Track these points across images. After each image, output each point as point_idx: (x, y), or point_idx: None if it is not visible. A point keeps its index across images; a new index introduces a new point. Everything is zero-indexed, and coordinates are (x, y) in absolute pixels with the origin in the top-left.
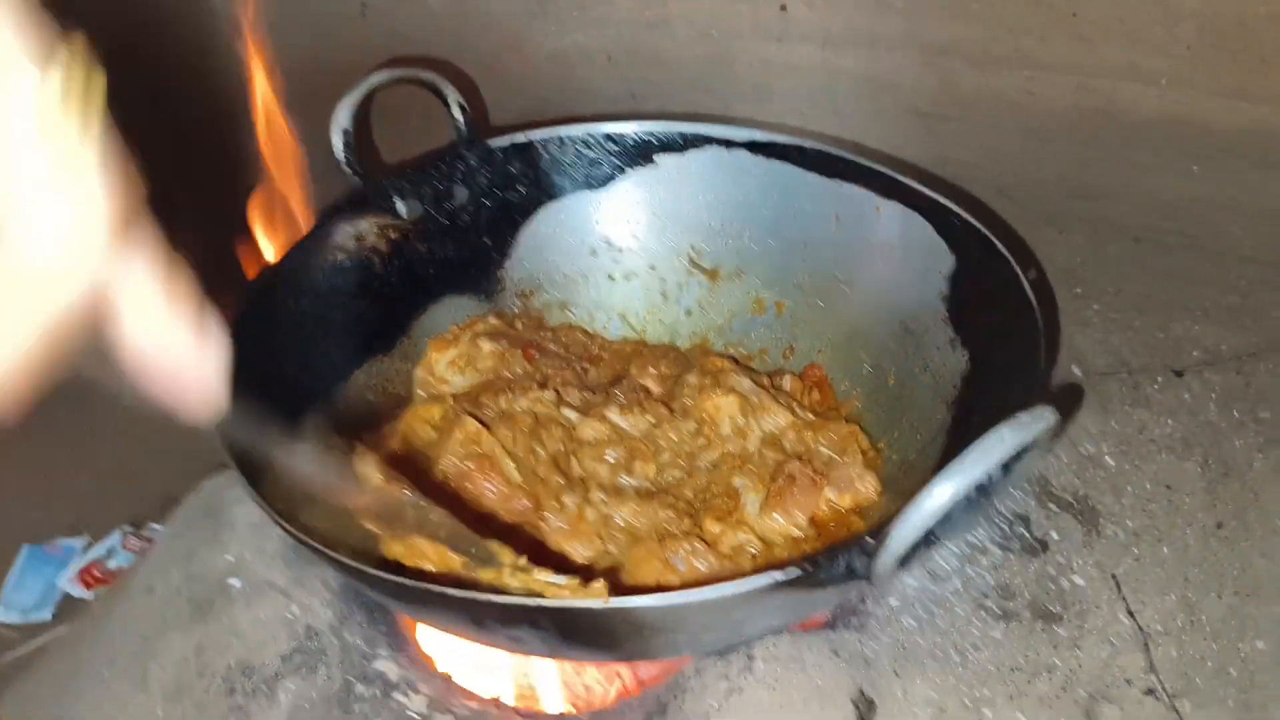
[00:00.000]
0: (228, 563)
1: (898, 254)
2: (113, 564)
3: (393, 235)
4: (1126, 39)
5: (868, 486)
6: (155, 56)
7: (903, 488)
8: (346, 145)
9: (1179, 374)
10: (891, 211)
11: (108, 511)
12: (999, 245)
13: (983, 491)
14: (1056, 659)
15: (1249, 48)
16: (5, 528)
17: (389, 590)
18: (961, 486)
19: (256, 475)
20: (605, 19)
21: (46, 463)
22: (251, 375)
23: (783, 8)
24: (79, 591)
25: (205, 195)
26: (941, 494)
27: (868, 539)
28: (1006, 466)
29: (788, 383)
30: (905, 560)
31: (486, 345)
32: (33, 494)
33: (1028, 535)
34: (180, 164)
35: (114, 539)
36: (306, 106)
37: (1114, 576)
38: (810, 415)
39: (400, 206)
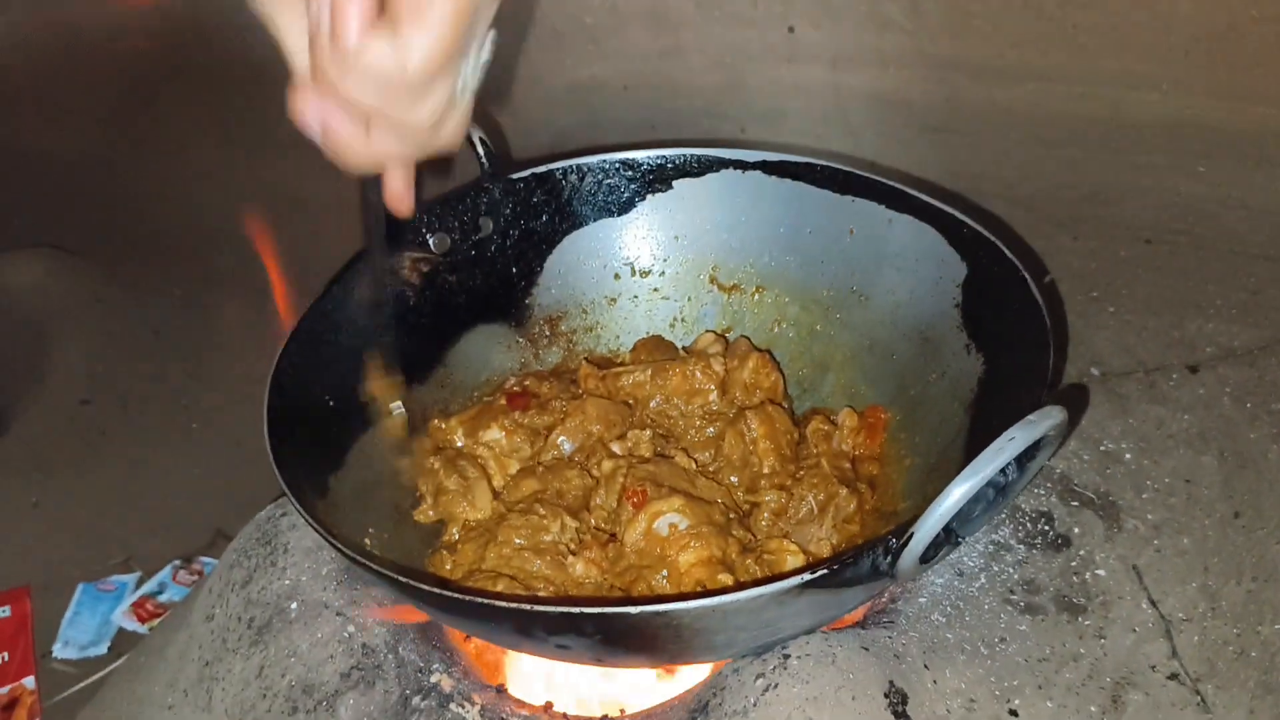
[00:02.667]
0: (285, 586)
1: (911, 265)
2: (164, 597)
3: (424, 269)
4: (1125, 48)
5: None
6: None
7: (927, 490)
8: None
9: (1194, 370)
10: (903, 224)
11: (158, 547)
12: (1007, 253)
13: (1000, 489)
14: (1082, 648)
15: (1243, 51)
16: (60, 568)
17: (439, 604)
18: (975, 485)
19: (309, 501)
20: (620, 51)
21: (98, 502)
22: (300, 408)
23: (790, 30)
24: (133, 625)
25: None
26: (957, 493)
27: (891, 538)
28: (1021, 464)
29: (844, 418)
30: (927, 557)
31: (488, 435)
32: (86, 533)
33: (1051, 531)
34: None
35: (165, 574)
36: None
37: (1135, 568)
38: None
39: (431, 241)
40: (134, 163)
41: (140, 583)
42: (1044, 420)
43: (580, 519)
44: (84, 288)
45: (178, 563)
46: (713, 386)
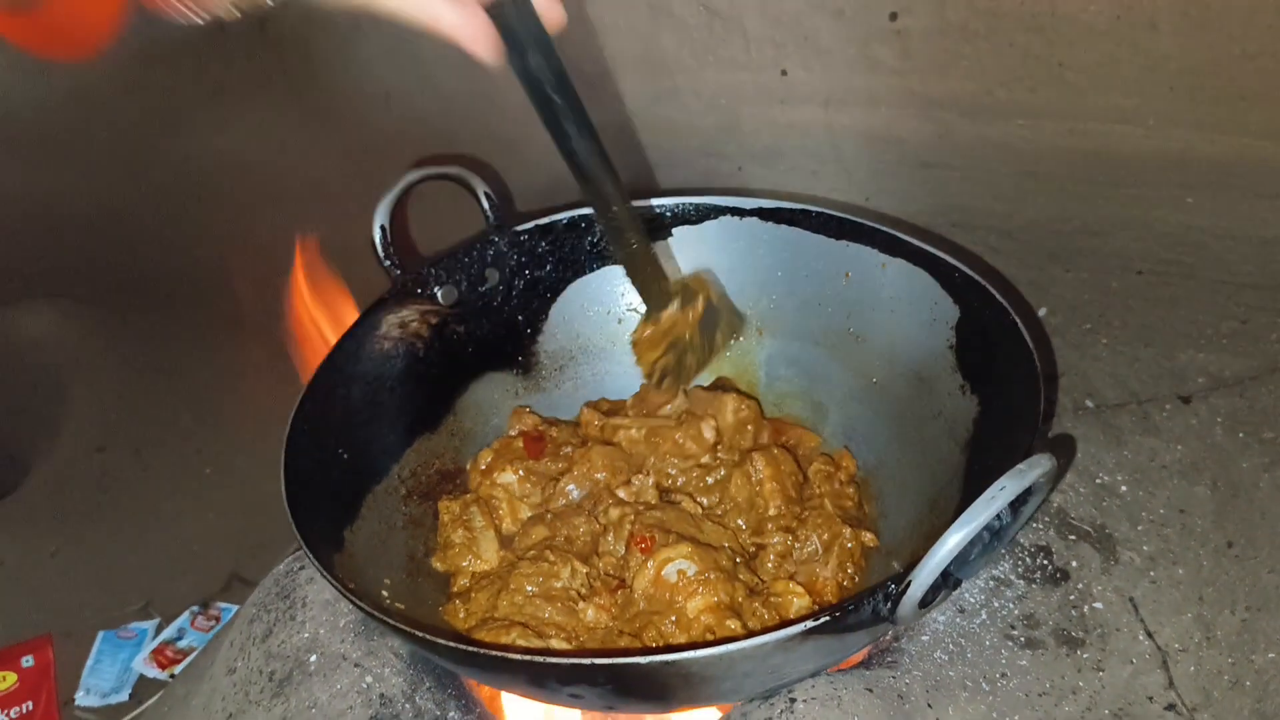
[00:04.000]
0: (304, 640)
1: (906, 308)
2: (183, 643)
3: (433, 320)
4: (1111, 84)
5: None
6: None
7: (928, 528)
8: (384, 242)
9: (1186, 400)
10: (897, 268)
11: (175, 591)
12: (997, 296)
13: (995, 534)
14: (1081, 681)
15: (1227, 85)
16: (79, 615)
17: (454, 656)
18: (969, 534)
19: (326, 556)
20: (617, 95)
21: (115, 549)
22: (314, 461)
23: (783, 73)
24: (153, 673)
25: None
26: (951, 541)
27: (891, 584)
28: (1015, 509)
29: (842, 459)
30: (926, 601)
31: (503, 477)
32: (103, 580)
33: (1049, 566)
34: None
35: (183, 619)
36: (344, 195)
37: (1132, 600)
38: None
39: (439, 293)
40: (143, 208)
41: (159, 629)
42: (1033, 469)
43: (590, 564)
44: (96, 335)
45: (195, 608)
46: (704, 451)
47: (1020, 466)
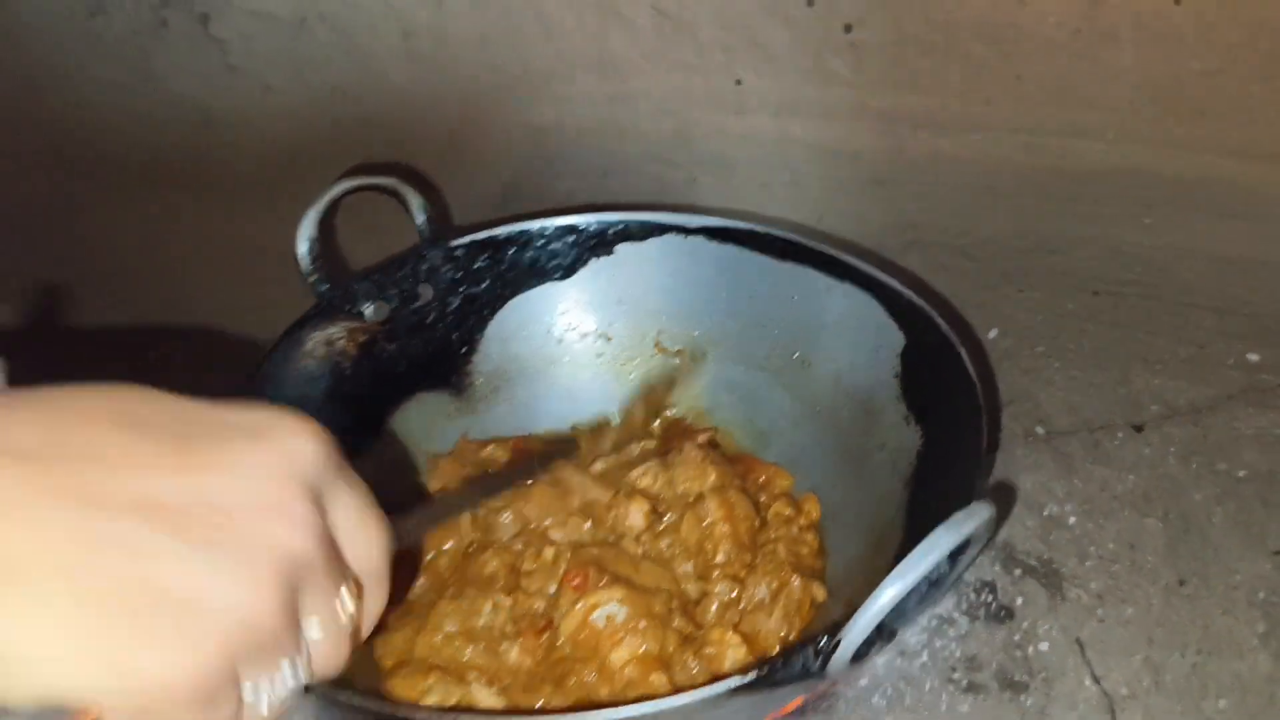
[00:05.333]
0: None
1: (852, 333)
2: None
3: (361, 338)
4: (1069, 98)
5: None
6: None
7: (870, 568)
8: (312, 256)
9: (1139, 429)
10: (842, 292)
11: None
12: (941, 324)
13: (933, 583)
14: None
15: (1185, 100)
16: None
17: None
18: (902, 589)
19: None
20: (568, 96)
21: None
22: None
23: (738, 82)
24: None
25: None
26: (886, 596)
27: (823, 638)
28: (953, 559)
29: (806, 505)
30: (860, 655)
31: None
32: None
33: (994, 602)
34: None
35: None
36: (277, 198)
37: (1079, 641)
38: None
39: (368, 310)
40: (71, 214)
41: None
42: (970, 520)
43: (515, 598)
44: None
45: None
46: (632, 532)
47: (957, 517)
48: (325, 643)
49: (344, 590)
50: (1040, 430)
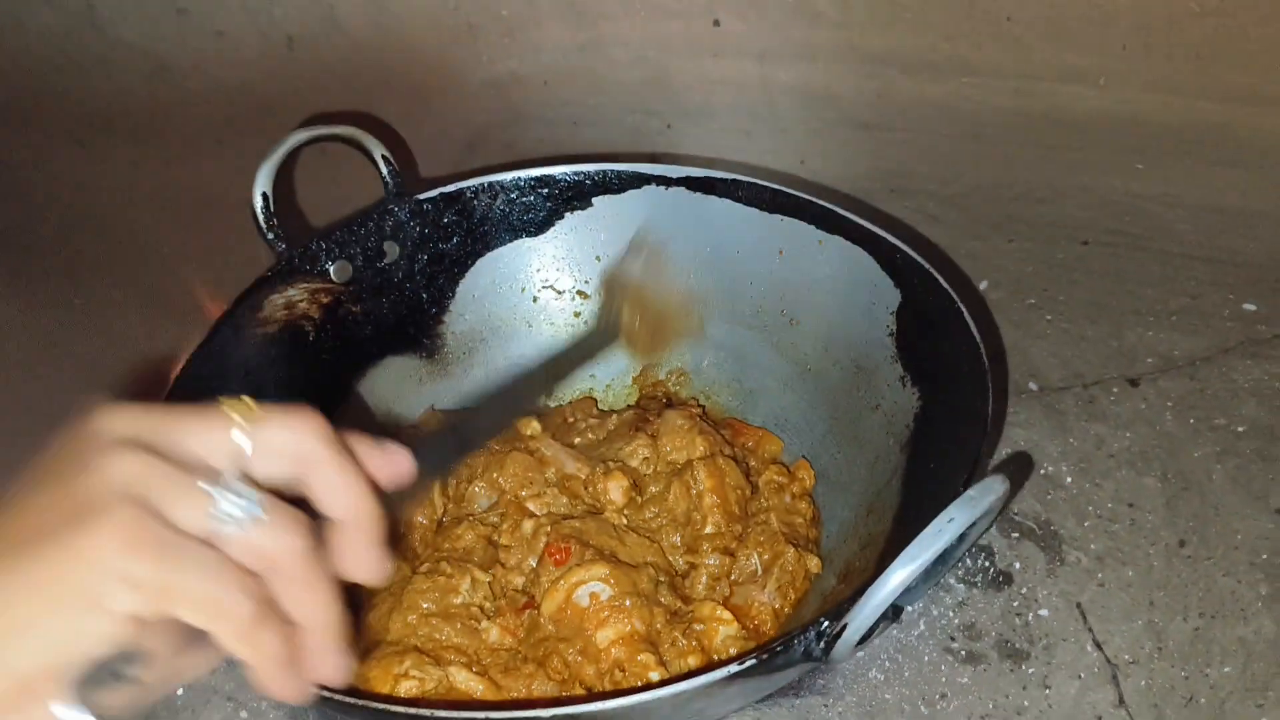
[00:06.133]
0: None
1: (843, 289)
2: None
3: (324, 300)
4: (1062, 41)
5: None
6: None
7: (865, 534)
8: (266, 211)
9: (1134, 383)
10: (834, 246)
11: None
12: (942, 282)
13: (941, 560)
14: (1026, 700)
15: (1182, 44)
16: None
17: (328, 706)
18: (913, 571)
19: None
20: (537, 45)
21: None
22: None
23: (715, 23)
24: None
25: None
26: (896, 578)
27: (825, 623)
28: (962, 535)
29: (800, 472)
30: (865, 639)
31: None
32: None
33: (992, 568)
34: None
35: None
36: (234, 148)
37: (1079, 606)
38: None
39: (331, 269)
40: (20, 166)
41: None
42: (985, 496)
43: (493, 574)
44: None
45: None
46: (612, 507)
47: (971, 493)
48: (253, 532)
49: (209, 486)
50: (1033, 385)
